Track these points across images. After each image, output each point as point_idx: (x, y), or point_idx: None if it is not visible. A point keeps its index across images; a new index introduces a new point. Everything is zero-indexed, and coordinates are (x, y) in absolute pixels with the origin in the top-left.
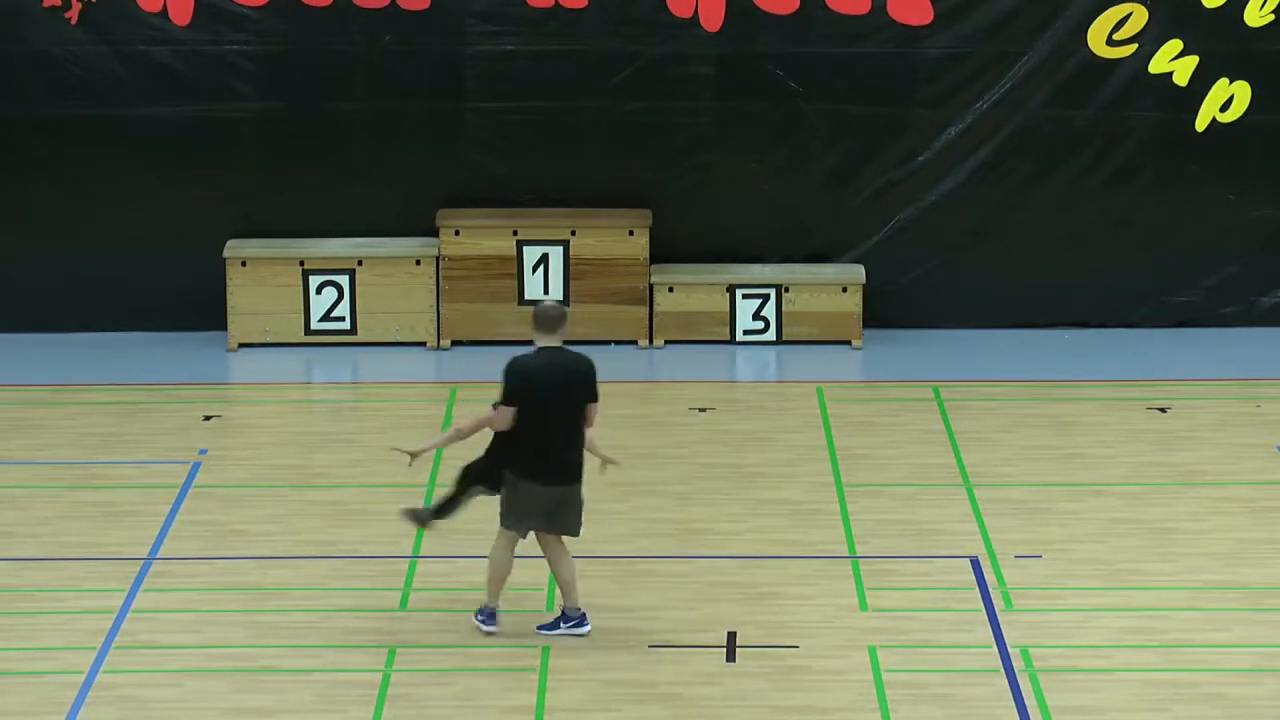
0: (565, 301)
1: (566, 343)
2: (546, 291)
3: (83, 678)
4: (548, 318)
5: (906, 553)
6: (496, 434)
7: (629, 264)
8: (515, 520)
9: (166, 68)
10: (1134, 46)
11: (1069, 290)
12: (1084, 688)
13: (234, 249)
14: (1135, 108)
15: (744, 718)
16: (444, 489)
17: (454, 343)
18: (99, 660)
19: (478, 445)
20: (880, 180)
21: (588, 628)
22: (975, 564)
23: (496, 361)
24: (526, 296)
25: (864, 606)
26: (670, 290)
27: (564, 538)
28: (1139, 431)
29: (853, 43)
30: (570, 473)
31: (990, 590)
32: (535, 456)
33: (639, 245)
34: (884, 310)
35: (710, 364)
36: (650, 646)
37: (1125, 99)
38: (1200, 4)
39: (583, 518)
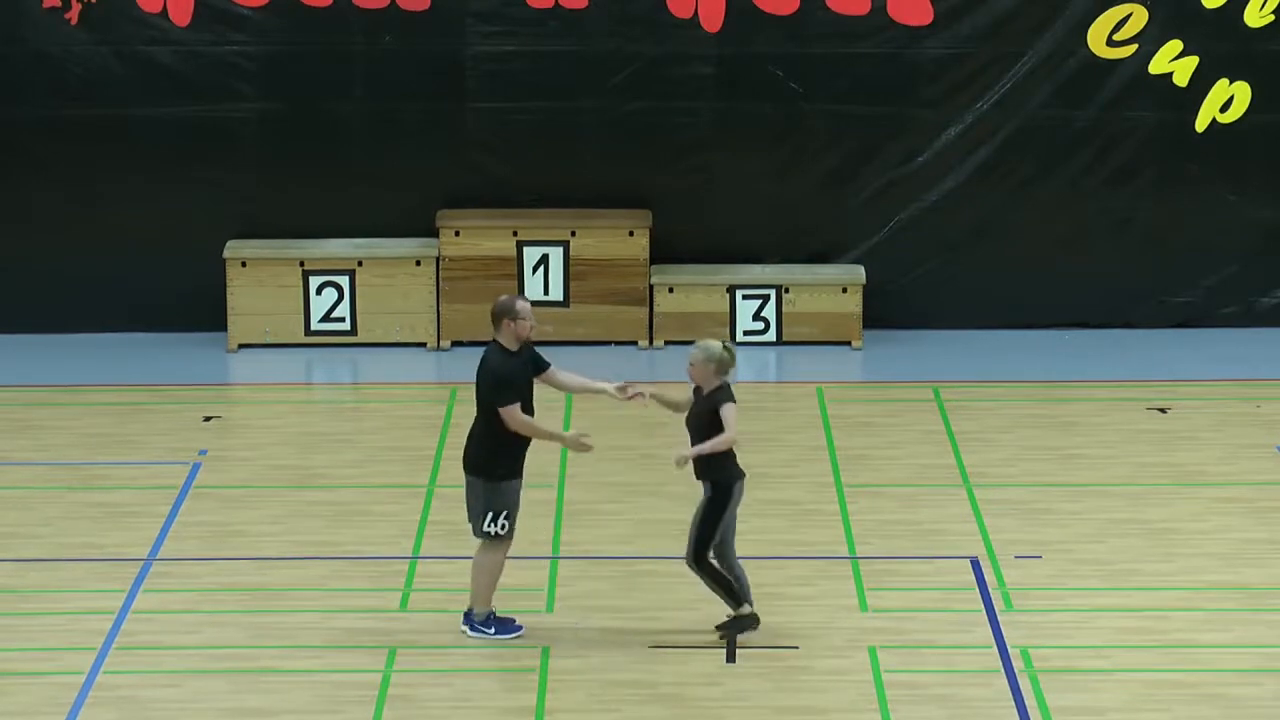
0: (565, 302)
1: (566, 343)
2: (546, 292)
3: (83, 678)
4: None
5: (906, 553)
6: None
7: (629, 264)
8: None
9: (166, 68)
10: (1134, 47)
11: (1069, 290)
12: (1084, 688)
13: (234, 249)
14: (1135, 108)
15: (744, 718)
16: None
17: (454, 343)
18: (99, 661)
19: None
20: (880, 180)
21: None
22: (975, 564)
23: None
24: (527, 297)
25: (864, 607)
26: (670, 291)
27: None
28: (1139, 431)
29: (853, 43)
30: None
31: (990, 590)
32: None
33: (639, 245)
34: (884, 310)
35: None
36: (650, 647)
37: (1125, 99)
38: (1200, 4)
39: (481, 519)
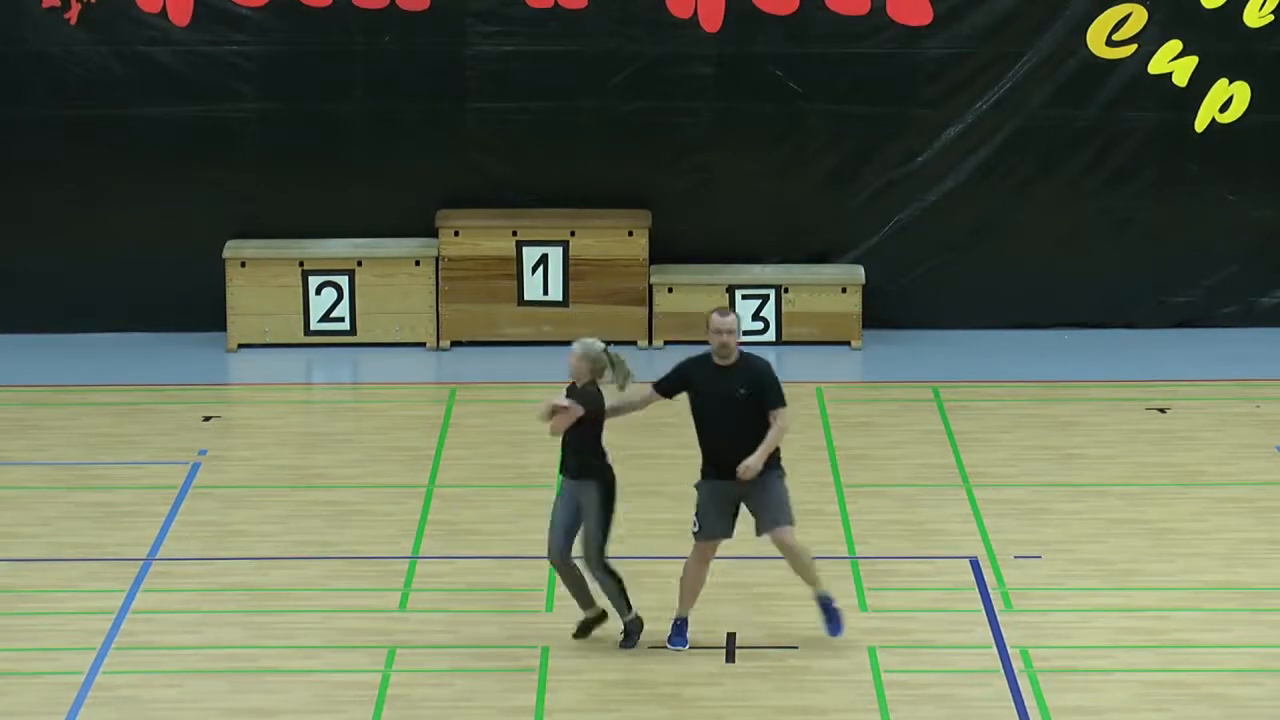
0: (565, 302)
1: (566, 343)
2: (546, 292)
3: (83, 678)
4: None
5: (906, 553)
6: None
7: (629, 264)
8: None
9: (166, 68)
10: (1134, 46)
11: (1069, 290)
12: (1084, 688)
13: (234, 249)
14: (1135, 108)
15: (744, 718)
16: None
17: (454, 343)
18: (99, 660)
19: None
20: (880, 180)
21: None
22: (975, 564)
23: (496, 362)
24: (526, 297)
25: (864, 607)
26: (670, 290)
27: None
28: (1139, 431)
29: (853, 43)
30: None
31: (990, 590)
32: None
33: (639, 245)
34: (884, 310)
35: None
36: (650, 646)
37: (1125, 99)
38: (1200, 4)
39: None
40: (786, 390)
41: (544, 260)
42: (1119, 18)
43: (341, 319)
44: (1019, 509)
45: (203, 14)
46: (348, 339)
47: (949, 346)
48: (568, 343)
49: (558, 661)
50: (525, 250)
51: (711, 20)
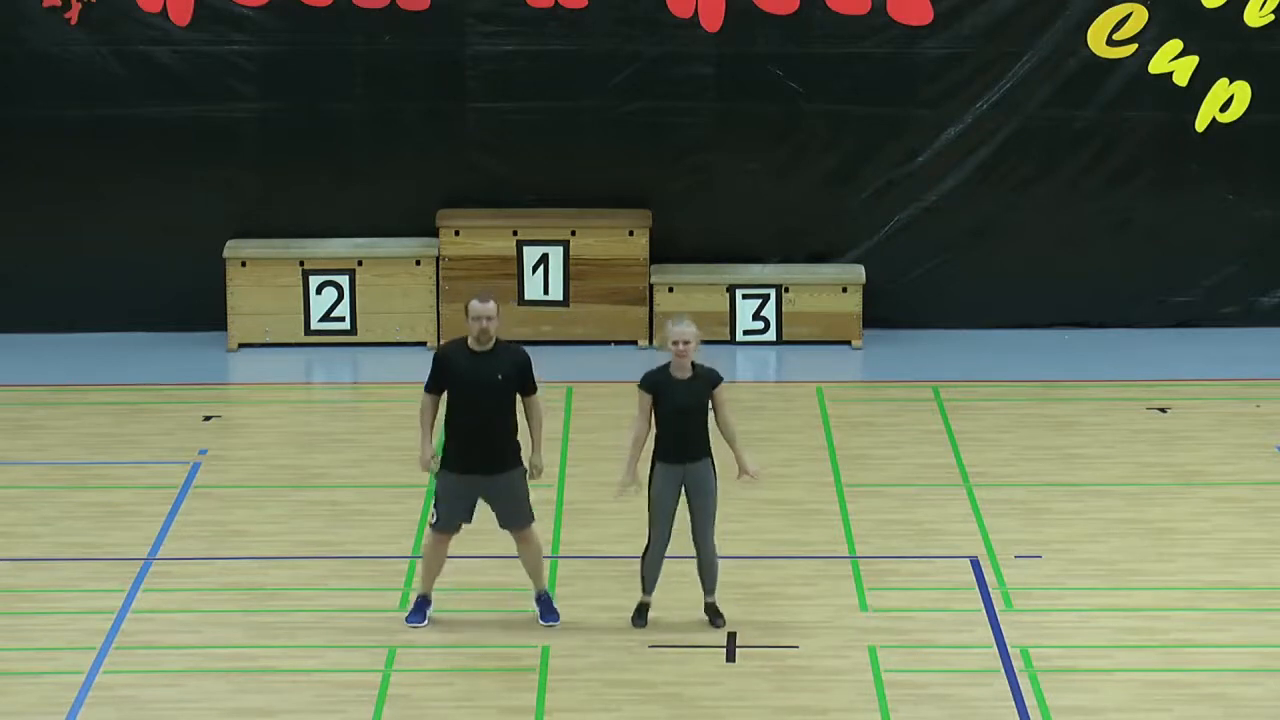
0: (565, 302)
1: (566, 342)
2: (546, 292)
3: (83, 678)
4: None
5: (906, 553)
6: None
7: (629, 264)
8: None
9: (166, 68)
10: (1134, 46)
11: (1069, 290)
12: (1084, 688)
13: (234, 249)
14: (1135, 108)
15: (744, 718)
16: None
17: None
18: (99, 660)
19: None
20: (880, 180)
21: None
22: (975, 564)
23: None
24: (526, 296)
25: (864, 606)
26: (670, 290)
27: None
28: (1139, 431)
29: (853, 43)
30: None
31: (990, 590)
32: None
33: (639, 245)
34: (884, 310)
35: (710, 364)
36: (650, 646)
37: (1125, 99)
38: (1200, 4)
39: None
40: (788, 389)
41: (544, 260)
42: (1119, 18)
43: (342, 319)
44: (1019, 509)
45: (203, 14)
46: (348, 339)
47: (949, 346)
48: (568, 342)
49: (558, 661)
50: (525, 250)
51: (711, 20)
